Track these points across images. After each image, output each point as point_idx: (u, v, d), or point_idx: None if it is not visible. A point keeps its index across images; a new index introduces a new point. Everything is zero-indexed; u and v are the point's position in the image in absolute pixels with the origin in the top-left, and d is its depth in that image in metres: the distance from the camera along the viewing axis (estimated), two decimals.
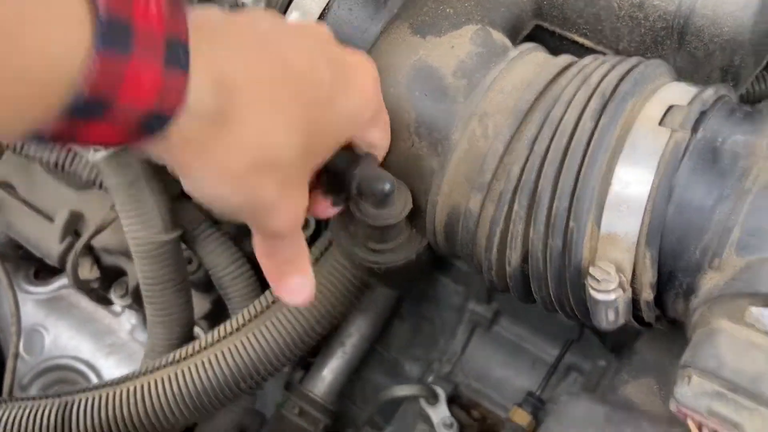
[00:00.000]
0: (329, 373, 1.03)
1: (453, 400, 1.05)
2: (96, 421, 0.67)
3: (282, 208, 0.42)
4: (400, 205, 0.51)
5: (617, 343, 0.84)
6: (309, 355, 1.09)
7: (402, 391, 0.95)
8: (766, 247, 0.41)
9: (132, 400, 0.68)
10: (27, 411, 0.68)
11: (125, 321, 1.05)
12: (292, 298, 0.48)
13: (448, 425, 0.93)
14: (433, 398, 0.95)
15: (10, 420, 0.68)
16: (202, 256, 0.76)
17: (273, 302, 0.71)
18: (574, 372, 0.96)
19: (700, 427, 0.40)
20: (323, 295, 0.70)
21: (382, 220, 0.51)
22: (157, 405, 0.68)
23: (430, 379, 1.06)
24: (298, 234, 0.46)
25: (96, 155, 0.66)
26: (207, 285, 0.81)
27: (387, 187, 0.48)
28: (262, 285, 0.76)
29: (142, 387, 0.69)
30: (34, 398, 0.70)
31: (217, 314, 0.80)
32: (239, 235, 0.81)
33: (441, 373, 1.10)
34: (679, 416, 0.41)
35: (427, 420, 0.96)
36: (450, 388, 1.06)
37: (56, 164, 0.73)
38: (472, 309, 1.09)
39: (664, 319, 0.49)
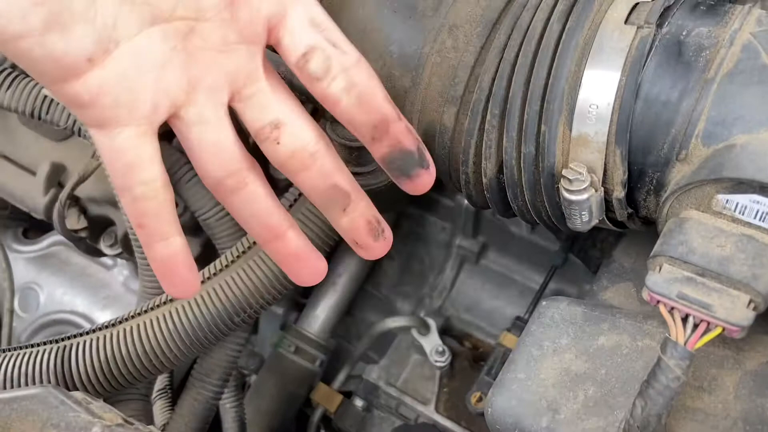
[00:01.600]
0: (322, 311, 1.05)
1: (445, 333, 1.08)
2: (95, 361, 0.69)
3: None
4: None
5: (600, 266, 0.86)
6: (302, 296, 1.12)
7: (394, 323, 0.98)
8: (730, 135, 0.42)
9: (129, 339, 0.69)
10: (26, 357, 0.70)
11: (118, 274, 1.07)
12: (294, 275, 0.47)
13: (440, 352, 0.96)
14: (424, 328, 0.98)
15: (10, 367, 0.70)
16: (186, 198, 0.77)
17: None
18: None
19: (672, 311, 0.42)
20: (310, 229, 0.71)
21: (357, 141, 0.51)
22: (155, 343, 0.69)
23: (422, 314, 1.09)
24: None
25: None
26: (195, 228, 0.82)
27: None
28: None
29: (138, 326, 0.70)
30: (32, 345, 0.72)
31: (208, 257, 0.81)
32: None
33: (432, 308, 1.13)
34: (651, 303, 0.43)
35: (420, 350, 0.99)
36: (441, 321, 1.09)
37: (32, 113, 0.73)
38: (459, 244, 1.11)
39: (636, 218, 0.50)
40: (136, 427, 0.37)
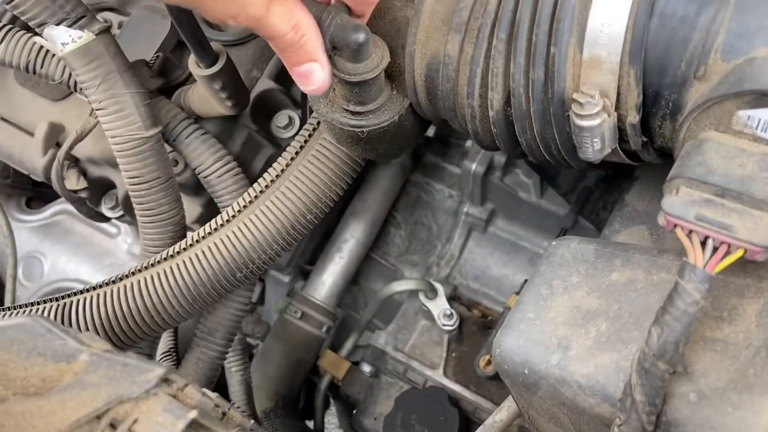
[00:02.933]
0: (329, 277, 1.03)
1: (453, 300, 1.07)
2: (96, 317, 0.68)
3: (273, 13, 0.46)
4: (377, 58, 0.49)
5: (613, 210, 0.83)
6: (308, 264, 1.10)
7: (400, 286, 0.96)
8: (751, 47, 0.40)
9: (130, 295, 0.68)
10: (27, 315, 0.69)
11: (122, 242, 1.05)
12: (303, 83, 0.51)
13: (449, 316, 0.94)
14: (431, 292, 0.96)
15: None
16: (186, 155, 0.75)
17: (262, 192, 0.70)
18: None
19: (690, 234, 0.40)
20: (311, 182, 0.69)
21: (359, 75, 0.49)
22: (156, 298, 0.68)
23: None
24: (302, 31, 0.48)
25: (65, 49, 0.64)
26: (196, 187, 0.80)
27: (361, 36, 0.46)
28: (250, 180, 0.76)
29: (139, 282, 0.69)
30: (32, 304, 0.71)
31: (210, 217, 0.79)
32: (223, 134, 0.80)
33: (439, 276, 1.11)
34: (668, 228, 0.41)
35: (428, 315, 0.97)
36: (449, 290, 1.07)
37: (27, 68, 0.71)
38: (466, 212, 1.09)
39: (651, 148, 0.48)
40: (125, 354, 0.36)
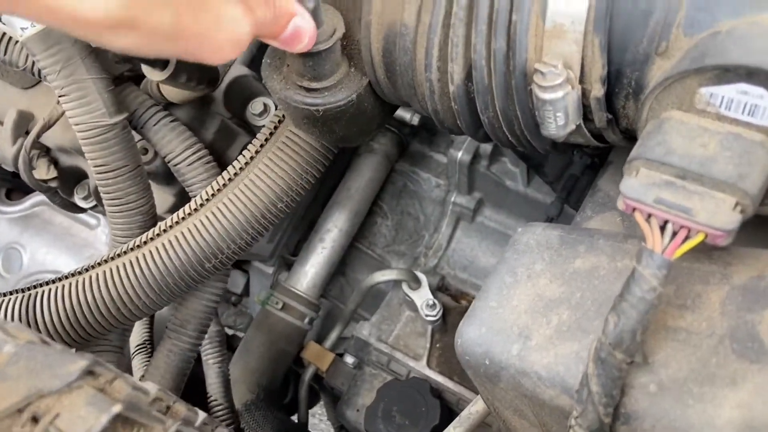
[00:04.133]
0: (311, 267, 1.02)
1: (441, 291, 1.05)
2: (61, 310, 0.66)
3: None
4: (330, 27, 0.47)
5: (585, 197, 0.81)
6: (291, 255, 1.09)
7: (383, 276, 0.94)
8: (714, 21, 0.38)
9: (95, 286, 0.67)
10: None
11: (101, 233, 1.04)
12: (295, 44, 0.45)
13: (431, 306, 0.92)
14: (415, 282, 0.95)
15: None
16: (155, 142, 0.73)
17: (230, 180, 0.68)
18: None
19: (649, 219, 0.38)
20: (281, 169, 0.68)
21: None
22: (121, 289, 0.67)
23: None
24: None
25: (24, 34, 0.63)
26: (167, 176, 0.79)
27: (311, 2, 0.44)
28: (223, 168, 0.74)
29: (104, 273, 0.67)
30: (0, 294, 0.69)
31: (182, 206, 0.78)
32: (195, 121, 0.78)
33: (427, 266, 1.10)
34: (627, 211, 0.39)
35: (412, 306, 0.96)
36: (437, 280, 1.05)
37: None
38: (454, 201, 1.07)
39: (616, 127, 0.46)
40: (48, 345, 0.34)
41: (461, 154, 0.98)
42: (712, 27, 0.37)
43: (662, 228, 0.37)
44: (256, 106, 0.82)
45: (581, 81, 0.42)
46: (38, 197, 1.07)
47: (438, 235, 1.13)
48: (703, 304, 0.39)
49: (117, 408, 0.32)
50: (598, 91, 0.42)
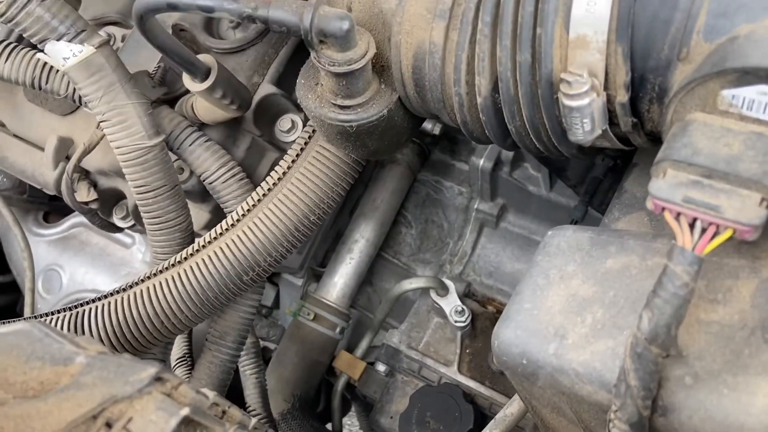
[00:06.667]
0: (340, 278, 1.04)
1: (467, 297, 1.06)
2: (108, 326, 0.69)
3: None
4: (363, 47, 0.50)
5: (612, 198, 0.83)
6: (319, 266, 1.11)
7: (410, 284, 0.96)
8: (733, 26, 0.39)
9: (140, 302, 0.69)
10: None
11: (136, 251, 1.07)
12: None
13: (460, 312, 0.94)
14: (443, 289, 0.96)
15: None
16: (190, 162, 0.76)
17: (264, 195, 0.71)
18: None
19: (678, 217, 0.40)
20: (313, 183, 0.70)
21: (346, 65, 0.50)
22: (165, 304, 0.69)
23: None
24: None
25: (66, 64, 0.66)
26: (203, 194, 0.82)
27: (346, 24, 0.46)
28: (256, 185, 0.77)
29: (148, 289, 0.70)
30: (45, 314, 0.72)
31: (218, 223, 0.81)
32: (227, 140, 0.81)
33: (453, 273, 1.11)
34: (656, 211, 0.41)
35: (441, 313, 0.97)
36: (463, 286, 1.07)
37: (32, 84, 0.73)
38: (477, 208, 1.09)
39: (641, 130, 0.47)
40: (120, 355, 0.37)
41: (483, 162, 1.00)
42: (731, 32, 0.39)
43: (691, 226, 0.39)
44: (284, 123, 0.85)
45: (606, 87, 0.44)
46: (75, 219, 1.11)
47: (462, 242, 1.15)
48: (734, 298, 0.40)
49: (185, 411, 0.35)
50: (622, 96, 0.43)
